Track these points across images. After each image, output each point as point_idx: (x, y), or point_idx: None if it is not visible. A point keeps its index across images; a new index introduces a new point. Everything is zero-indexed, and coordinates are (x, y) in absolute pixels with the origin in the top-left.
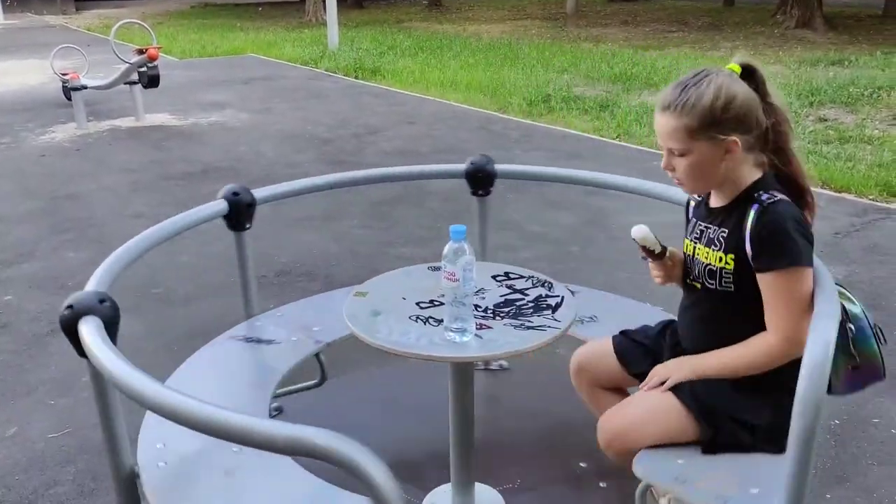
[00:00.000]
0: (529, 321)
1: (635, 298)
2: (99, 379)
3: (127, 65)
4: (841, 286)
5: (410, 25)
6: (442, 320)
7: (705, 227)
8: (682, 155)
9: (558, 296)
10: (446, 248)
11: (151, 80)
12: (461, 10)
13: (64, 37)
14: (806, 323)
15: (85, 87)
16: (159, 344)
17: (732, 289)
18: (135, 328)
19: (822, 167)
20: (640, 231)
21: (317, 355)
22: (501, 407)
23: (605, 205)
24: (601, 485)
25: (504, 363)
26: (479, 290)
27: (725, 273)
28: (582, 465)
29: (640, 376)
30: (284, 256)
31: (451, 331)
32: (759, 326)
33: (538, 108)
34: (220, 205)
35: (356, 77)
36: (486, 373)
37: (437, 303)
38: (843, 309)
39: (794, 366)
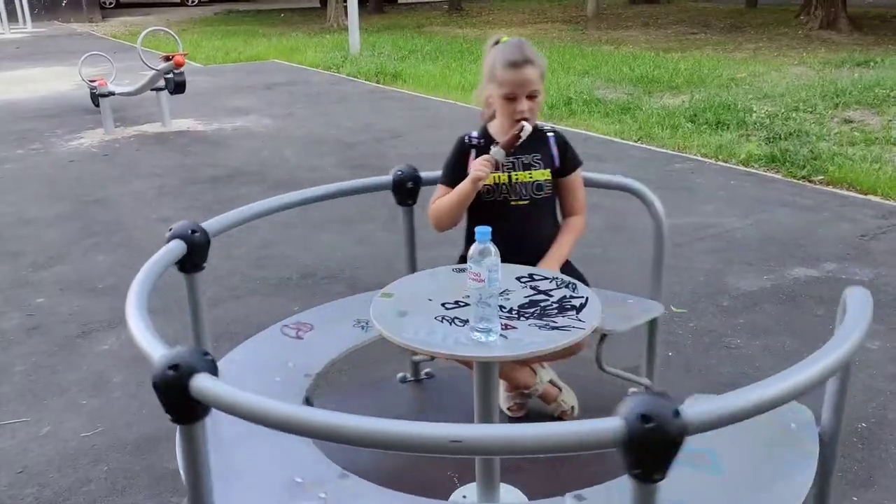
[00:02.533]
0: (554, 322)
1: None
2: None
3: (154, 71)
4: None
5: (431, 30)
6: (467, 320)
7: (514, 158)
8: (533, 97)
9: (582, 296)
10: (472, 249)
11: (177, 87)
12: (481, 14)
13: (90, 44)
14: None
15: (112, 94)
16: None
17: (551, 193)
18: (165, 330)
19: (848, 169)
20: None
21: None
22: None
23: (625, 206)
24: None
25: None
26: (504, 292)
27: (548, 183)
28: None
29: None
30: (308, 259)
31: (477, 331)
32: (555, 218)
33: (559, 111)
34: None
35: (378, 82)
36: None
37: (462, 303)
38: None
39: None
